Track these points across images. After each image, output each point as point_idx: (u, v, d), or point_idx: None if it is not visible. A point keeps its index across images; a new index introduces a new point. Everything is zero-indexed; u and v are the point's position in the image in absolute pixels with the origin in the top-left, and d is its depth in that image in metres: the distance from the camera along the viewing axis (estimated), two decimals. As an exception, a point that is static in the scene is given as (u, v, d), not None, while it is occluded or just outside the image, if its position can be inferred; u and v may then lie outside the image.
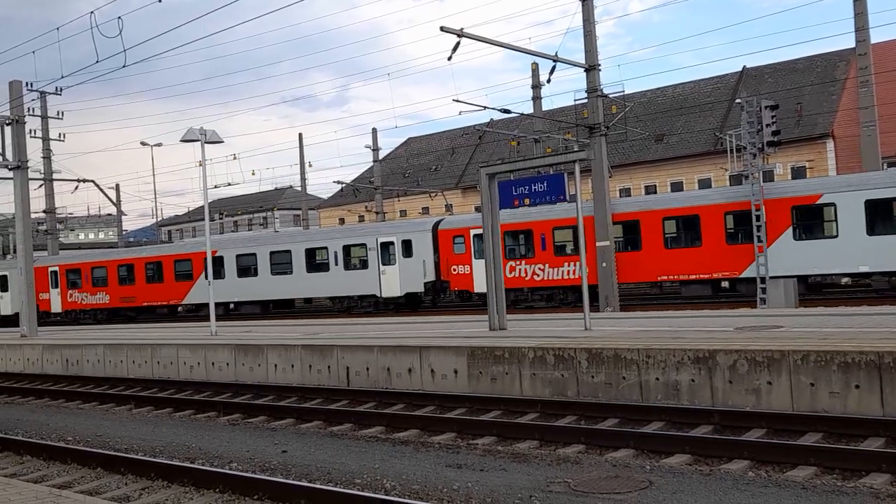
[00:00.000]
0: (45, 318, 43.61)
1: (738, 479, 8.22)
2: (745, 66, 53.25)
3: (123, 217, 55.69)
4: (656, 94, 55.83)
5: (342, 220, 67.53)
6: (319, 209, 73.30)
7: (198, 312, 40.07)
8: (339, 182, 58.80)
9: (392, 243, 32.78)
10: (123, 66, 23.49)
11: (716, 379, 11.46)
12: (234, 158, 64.67)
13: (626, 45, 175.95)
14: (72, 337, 25.57)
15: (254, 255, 36.76)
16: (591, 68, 26.43)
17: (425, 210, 59.84)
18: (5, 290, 44.87)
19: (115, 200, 52.60)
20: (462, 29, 21.69)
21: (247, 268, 37.12)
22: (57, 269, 44.02)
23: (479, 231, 29.38)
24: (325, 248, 34.60)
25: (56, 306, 44.16)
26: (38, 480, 9.53)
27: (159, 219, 76.78)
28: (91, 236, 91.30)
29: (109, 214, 61.72)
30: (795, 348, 10.98)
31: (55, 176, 44.35)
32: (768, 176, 28.67)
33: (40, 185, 43.76)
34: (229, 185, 54.19)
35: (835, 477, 8.26)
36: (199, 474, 9.01)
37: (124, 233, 64.08)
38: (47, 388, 19.31)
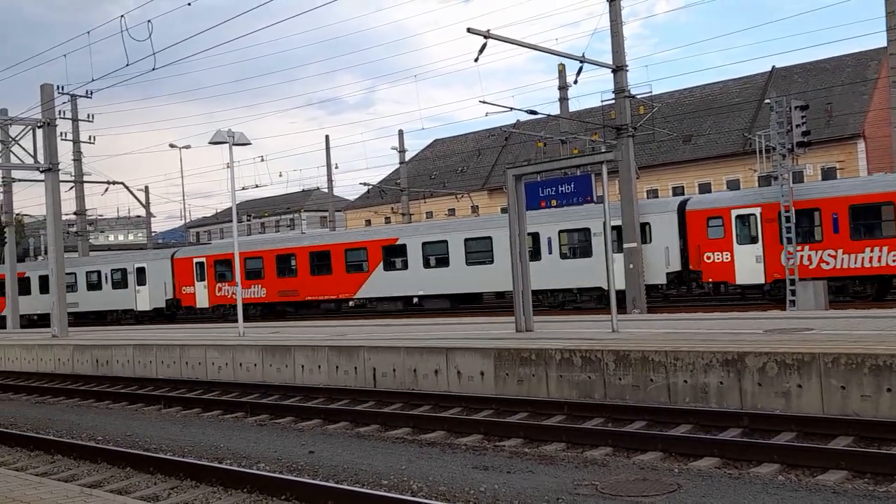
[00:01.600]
0: (189, 314, 41.32)
1: (767, 482, 8.15)
2: (774, 67, 52.80)
3: (152, 219, 56.12)
4: (684, 94, 55.49)
5: (368, 222, 67.72)
6: (346, 211, 73.56)
7: (372, 308, 35.87)
8: (365, 184, 59.06)
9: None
10: (153, 69, 23.71)
11: (745, 381, 11.36)
12: (262, 160, 65.22)
13: (652, 45, 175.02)
14: (102, 337, 25.83)
15: (444, 242, 32.54)
16: (619, 69, 26.31)
17: (451, 212, 59.87)
18: (143, 283, 41.24)
19: (144, 202, 53.08)
20: (489, 30, 21.71)
21: (436, 257, 32.78)
22: (204, 260, 40.00)
23: (746, 211, 26.58)
24: (536, 233, 29.82)
25: (202, 301, 39.89)
26: (69, 479, 9.62)
27: (187, 220, 77.44)
28: (121, 238, 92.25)
29: (139, 216, 62.45)
30: (826, 351, 10.86)
31: (85, 178, 44.87)
32: (798, 177, 28.33)
33: (71, 188, 44.32)
34: (257, 186, 54.66)
35: (866, 481, 8.15)
36: (227, 474, 9.07)
37: (153, 234, 64.65)
38: (78, 388, 19.51)
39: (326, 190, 58.12)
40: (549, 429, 11.07)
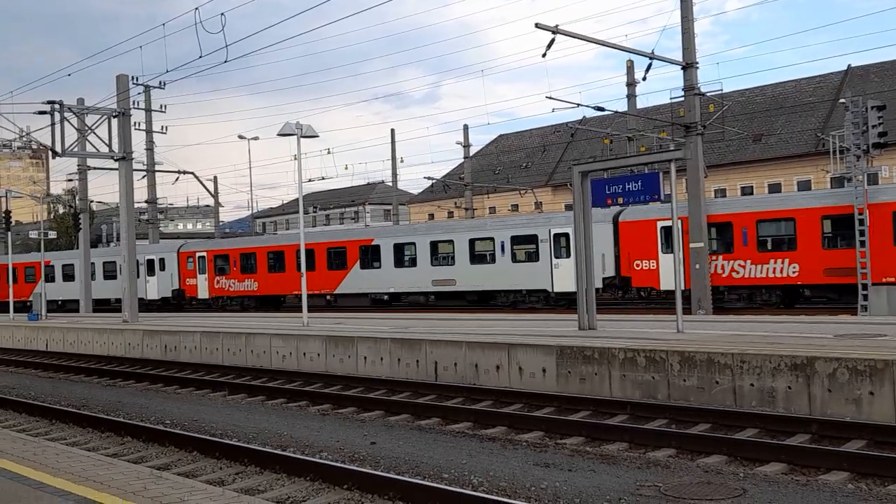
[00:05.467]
0: (639, 298, 30.98)
1: (836, 490, 7.98)
2: (849, 66, 51.46)
3: (220, 208, 57.09)
4: (755, 92, 54.41)
5: (431, 216, 67.91)
6: (409, 204, 73.89)
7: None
8: (429, 178, 59.16)
9: None
10: (225, 62, 24.17)
11: (814, 387, 11.12)
12: (328, 153, 65.92)
13: (722, 43, 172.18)
14: (170, 324, 26.39)
15: None
16: (689, 66, 25.93)
17: (514, 207, 59.68)
18: (560, 255, 30.55)
19: (212, 192, 54.00)
20: (557, 26, 21.56)
21: None
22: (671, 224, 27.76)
23: None
24: None
25: (668, 280, 28.12)
26: (139, 461, 9.87)
27: (254, 210, 78.62)
28: (189, 226, 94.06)
29: (207, 206, 63.53)
30: (900, 358, 10.56)
31: (157, 167, 45.80)
32: (873, 179, 27.53)
33: (143, 177, 45.27)
34: (323, 178, 55.30)
35: (941, 493, 7.92)
36: (290, 462, 9.20)
37: (220, 224, 65.73)
38: (147, 372, 19.97)
39: (391, 183, 58.44)
40: (611, 428, 10.99)
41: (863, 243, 23.90)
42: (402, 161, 72.08)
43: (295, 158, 23.37)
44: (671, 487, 8.14)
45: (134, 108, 31.73)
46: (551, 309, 26.69)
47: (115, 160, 29.13)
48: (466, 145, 53.21)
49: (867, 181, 24.66)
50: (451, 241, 33.81)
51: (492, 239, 32.65)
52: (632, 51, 26.97)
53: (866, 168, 24.86)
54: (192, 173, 44.61)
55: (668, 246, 28.14)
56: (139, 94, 36.54)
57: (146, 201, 47.16)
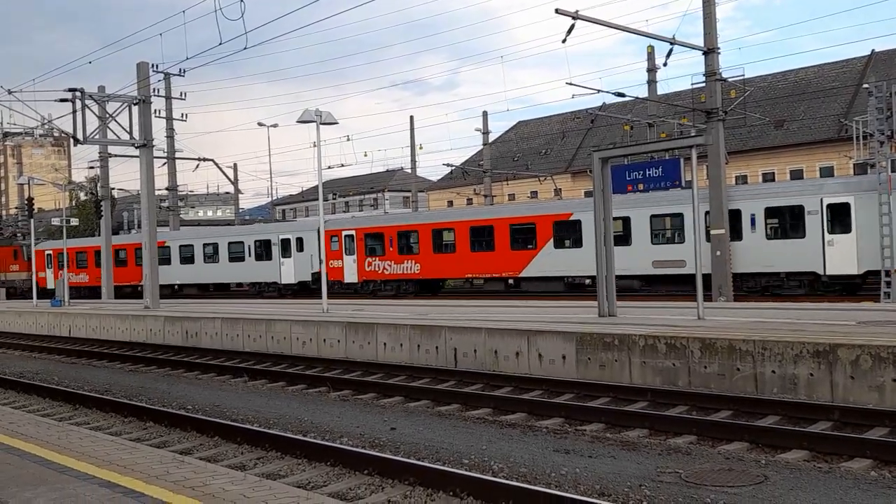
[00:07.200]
0: None
1: (859, 478, 7.93)
2: (873, 50, 50.90)
3: (240, 195, 57.32)
4: (777, 78, 53.92)
5: (450, 203, 67.84)
6: (428, 191, 73.83)
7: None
8: (448, 165, 59.04)
9: None
10: (244, 49, 24.15)
11: (836, 374, 11.05)
12: (348, 140, 65.98)
13: (744, 28, 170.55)
14: (191, 310, 26.55)
15: None
16: (710, 51, 25.71)
17: (534, 194, 59.53)
18: (841, 228, 25.24)
19: (232, 179, 54.17)
20: (577, 11, 21.43)
21: None
22: None
23: None
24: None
25: None
26: (161, 446, 9.95)
27: (274, 198, 78.85)
28: (210, 214, 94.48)
29: (227, 193, 63.75)
30: (924, 345, 10.46)
31: (177, 155, 45.91)
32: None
33: (163, 164, 45.37)
34: (342, 165, 55.43)
35: (965, 481, 7.86)
36: (311, 447, 9.25)
37: (240, 211, 65.99)
38: (168, 358, 20.11)
39: (410, 170, 58.40)
40: (631, 415, 10.97)
41: (888, 229, 23.65)
42: (421, 148, 72.19)
43: (314, 145, 23.39)
44: (692, 474, 8.12)
45: (154, 95, 31.76)
46: (820, 296, 24.24)
47: (136, 147, 29.28)
48: (485, 132, 53.07)
49: (890, 167, 24.40)
50: (679, 215, 27.84)
51: (737, 212, 27.17)
52: (652, 36, 26.78)
53: (890, 154, 24.60)
54: (211, 160, 44.76)
55: None
56: (159, 81, 36.56)
57: (167, 188, 47.27)
